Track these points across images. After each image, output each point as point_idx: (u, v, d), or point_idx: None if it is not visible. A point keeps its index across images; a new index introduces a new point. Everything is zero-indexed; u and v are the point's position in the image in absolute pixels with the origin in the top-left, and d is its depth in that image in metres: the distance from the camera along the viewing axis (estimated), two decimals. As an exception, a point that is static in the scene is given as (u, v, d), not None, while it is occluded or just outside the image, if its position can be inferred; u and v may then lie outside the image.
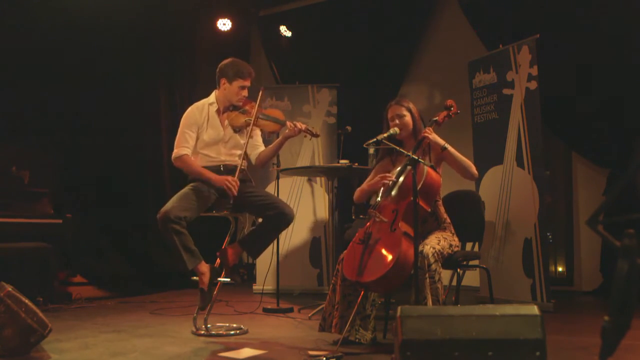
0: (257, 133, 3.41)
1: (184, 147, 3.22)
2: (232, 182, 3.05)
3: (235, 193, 3.05)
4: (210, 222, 3.78)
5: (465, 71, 4.75)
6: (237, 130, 3.30)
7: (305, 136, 3.27)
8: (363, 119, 5.19)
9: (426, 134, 2.85)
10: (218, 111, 3.31)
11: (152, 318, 3.72)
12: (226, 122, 3.29)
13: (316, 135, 3.27)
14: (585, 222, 1.25)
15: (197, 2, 5.77)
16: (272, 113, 3.31)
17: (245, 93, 3.29)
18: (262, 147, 3.41)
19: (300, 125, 3.19)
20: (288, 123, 3.20)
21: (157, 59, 5.65)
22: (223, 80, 3.28)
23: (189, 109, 3.34)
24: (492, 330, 1.73)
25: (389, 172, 2.96)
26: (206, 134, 3.27)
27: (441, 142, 2.86)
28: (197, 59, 5.84)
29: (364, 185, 3.05)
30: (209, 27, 5.81)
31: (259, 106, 3.24)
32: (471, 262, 3.06)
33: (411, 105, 3.02)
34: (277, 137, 3.35)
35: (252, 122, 3.20)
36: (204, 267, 3.03)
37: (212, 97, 3.35)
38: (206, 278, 3.02)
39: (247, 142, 3.23)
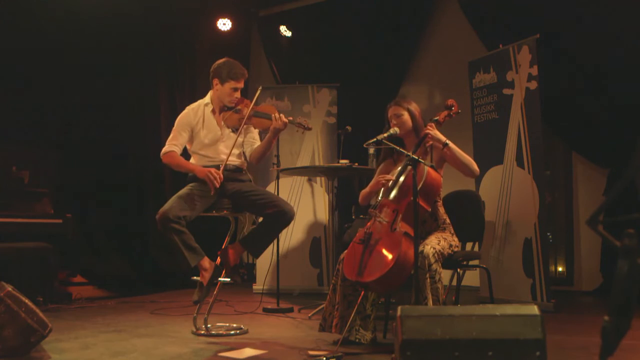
0: (253, 130, 3.40)
1: (172, 144, 3.26)
2: (214, 174, 3.05)
3: (217, 185, 3.06)
4: (210, 222, 3.78)
5: (465, 71, 4.75)
6: (234, 130, 3.30)
7: (298, 130, 3.27)
8: (363, 119, 5.19)
9: (428, 130, 2.84)
10: (213, 111, 3.32)
11: (152, 318, 3.72)
12: (222, 121, 3.29)
13: (308, 129, 3.26)
14: (585, 222, 1.25)
15: (197, 2, 5.77)
16: (263, 109, 3.29)
17: (237, 95, 3.28)
18: (258, 143, 3.40)
19: (284, 117, 3.17)
20: (273, 115, 3.18)
21: (157, 59, 5.65)
22: (215, 81, 3.28)
23: (185, 110, 3.35)
24: (492, 330, 1.73)
25: (391, 172, 2.97)
26: (204, 135, 3.27)
27: (442, 138, 2.85)
28: (197, 59, 5.84)
29: (367, 188, 3.05)
30: (209, 27, 5.81)
31: (254, 104, 3.24)
32: (471, 262, 3.06)
33: (411, 105, 3.02)
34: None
35: (243, 121, 3.20)
36: (207, 263, 3.04)
37: (208, 97, 3.35)
38: (208, 274, 3.02)
39: (238, 141, 3.23)
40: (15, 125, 4.55)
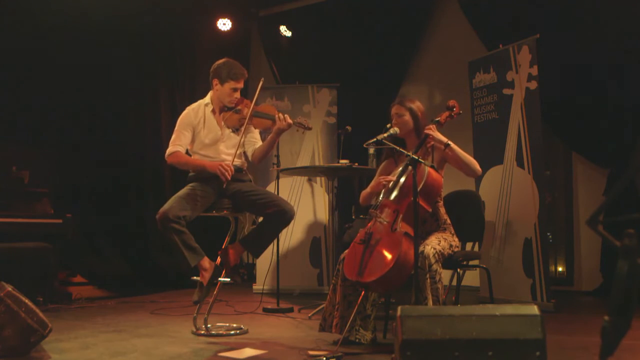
0: (255, 130, 3.40)
1: (176, 144, 3.25)
2: (225, 167, 3.05)
3: (229, 177, 3.06)
4: (210, 222, 3.78)
5: (465, 71, 4.75)
6: (235, 130, 3.30)
7: (298, 130, 3.27)
8: (363, 119, 5.18)
9: (429, 131, 2.83)
10: (213, 111, 3.32)
11: (152, 318, 3.72)
12: (222, 122, 3.29)
13: (308, 128, 3.26)
14: (585, 222, 1.25)
15: (197, 2, 5.77)
16: (264, 109, 3.29)
17: (237, 95, 3.28)
18: (259, 143, 3.39)
19: (289, 118, 3.18)
20: (277, 116, 3.18)
21: (157, 59, 5.65)
22: (215, 81, 3.28)
23: (185, 110, 3.35)
24: (492, 330, 1.73)
25: (392, 172, 2.97)
26: (204, 135, 3.27)
27: (444, 139, 2.84)
28: (197, 59, 5.84)
29: (368, 188, 3.05)
30: (209, 27, 5.81)
31: (254, 104, 3.24)
32: (471, 262, 3.06)
33: (414, 105, 3.00)
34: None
35: (245, 121, 3.20)
36: (207, 263, 3.04)
37: (208, 97, 3.35)
38: (208, 274, 3.02)
39: (241, 141, 3.24)
40: (15, 125, 4.55)
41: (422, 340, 1.72)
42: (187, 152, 3.34)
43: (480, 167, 2.97)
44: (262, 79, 3.31)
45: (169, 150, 3.25)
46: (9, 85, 4.48)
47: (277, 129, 3.17)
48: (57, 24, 4.72)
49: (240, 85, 3.27)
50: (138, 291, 4.90)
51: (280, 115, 3.17)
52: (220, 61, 3.31)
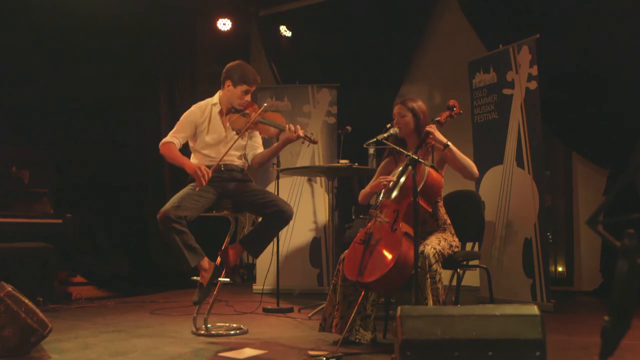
0: (257, 135, 3.41)
1: (173, 136, 3.23)
2: (202, 171, 3.01)
3: (205, 183, 3.01)
4: (210, 222, 3.78)
5: (465, 71, 4.75)
6: (239, 132, 3.30)
7: (303, 142, 3.27)
8: (363, 119, 5.18)
9: (430, 129, 2.82)
10: (221, 112, 3.32)
11: (152, 318, 3.72)
12: (228, 123, 3.29)
13: (314, 142, 3.27)
14: (585, 222, 1.25)
15: (197, 2, 5.78)
16: (272, 117, 3.29)
17: (248, 98, 3.29)
18: (260, 149, 3.42)
19: (300, 131, 3.18)
20: (288, 127, 3.19)
21: (157, 59, 5.65)
22: (228, 82, 3.28)
23: (192, 107, 3.34)
24: (492, 330, 1.73)
25: (392, 171, 2.97)
26: (208, 135, 3.27)
27: (444, 139, 2.84)
28: (197, 59, 5.84)
29: (367, 187, 3.05)
30: (209, 27, 5.81)
31: (262, 110, 3.24)
32: (471, 262, 3.06)
33: (416, 105, 2.98)
34: (277, 140, 3.35)
35: (248, 125, 3.19)
36: (207, 264, 3.04)
37: (216, 97, 3.35)
38: (208, 275, 3.02)
39: (237, 143, 3.22)
40: (15, 125, 4.56)
41: (422, 340, 1.72)
42: (186, 150, 3.34)
43: (481, 167, 2.97)
44: (265, 104, 3.30)
45: (164, 139, 3.23)
46: (9, 85, 4.48)
47: (285, 138, 3.18)
48: (58, 24, 4.73)
49: (252, 89, 3.29)
50: (138, 291, 4.90)
51: (291, 126, 3.17)
52: (235, 63, 3.32)
